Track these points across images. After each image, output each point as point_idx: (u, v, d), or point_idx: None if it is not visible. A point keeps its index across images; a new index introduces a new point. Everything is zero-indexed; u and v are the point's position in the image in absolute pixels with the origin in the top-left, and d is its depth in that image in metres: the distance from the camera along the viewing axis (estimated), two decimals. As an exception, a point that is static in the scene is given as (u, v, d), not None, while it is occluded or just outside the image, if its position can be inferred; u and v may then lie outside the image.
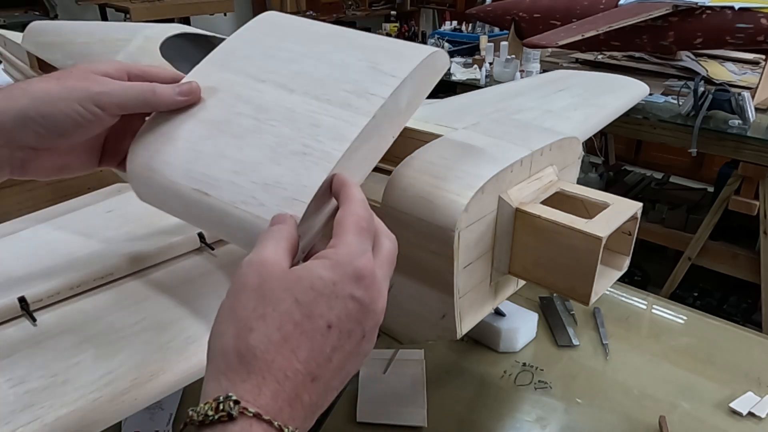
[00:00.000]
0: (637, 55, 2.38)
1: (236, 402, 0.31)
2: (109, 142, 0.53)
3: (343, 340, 0.35)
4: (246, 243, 0.44)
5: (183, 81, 0.52)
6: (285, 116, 0.47)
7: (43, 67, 1.08)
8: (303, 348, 0.33)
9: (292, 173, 0.44)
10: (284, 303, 0.34)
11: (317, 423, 0.74)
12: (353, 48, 0.52)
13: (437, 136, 0.62)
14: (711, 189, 2.56)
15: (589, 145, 2.61)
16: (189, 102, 0.50)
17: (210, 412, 0.31)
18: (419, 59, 0.49)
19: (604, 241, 0.51)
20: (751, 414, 0.84)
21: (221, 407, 0.31)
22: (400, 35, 3.21)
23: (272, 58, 0.53)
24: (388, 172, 0.57)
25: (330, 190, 0.43)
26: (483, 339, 0.98)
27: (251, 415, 0.30)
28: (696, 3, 1.99)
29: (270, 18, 0.58)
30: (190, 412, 0.31)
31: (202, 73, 0.53)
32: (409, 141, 0.76)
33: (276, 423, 0.31)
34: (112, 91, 0.47)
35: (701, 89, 1.88)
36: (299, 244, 0.40)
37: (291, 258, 0.38)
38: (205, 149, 0.47)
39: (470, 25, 3.41)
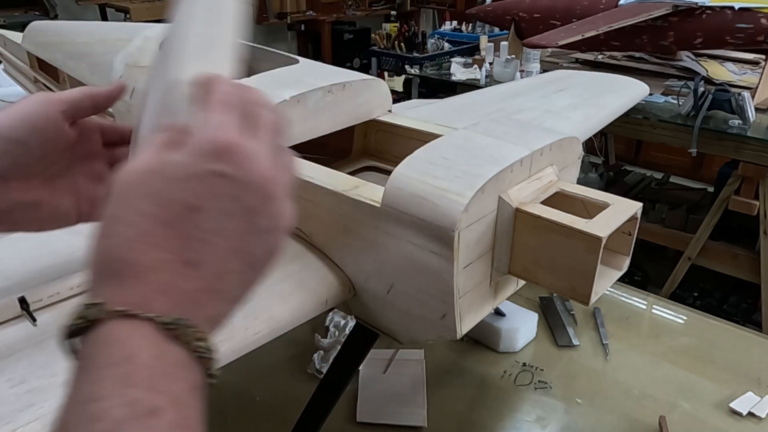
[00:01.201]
0: (637, 55, 2.38)
1: (96, 304, 0.29)
2: (80, 188, 0.52)
3: (220, 220, 0.32)
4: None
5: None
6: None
7: (43, 67, 1.08)
8: (165, 238, 0.31)
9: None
10: (137, 199, 0.32)
11: (317, 423, 0.74)
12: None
13: (437, 136, 0.62)
14: (711, 189, 2.55)
15: (589, 145, 2.61)
16: (120, 90, 0.53)
17: (75, 322, 0.30)
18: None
19: (604, 241, 0.51)
20: (751, 414, 0.84)
21: (83, 314, 0.30)
22: (400, 35, 3.21)
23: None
24: (388, 172, 0.57)
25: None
26: (483, 339, 0.98)
27: (117, 314, 0.29)
28: (696, 3, 1.99)
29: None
30: (61, 329, 0.30)
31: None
32: (409, 141, 0.76)
33: (146, 315, 0.29)
34: (59, 93, 0.48)
35: (701, 89, 1.88)
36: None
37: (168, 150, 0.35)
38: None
39: (470, 25, 3.41)
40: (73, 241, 0.64)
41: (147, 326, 0.29)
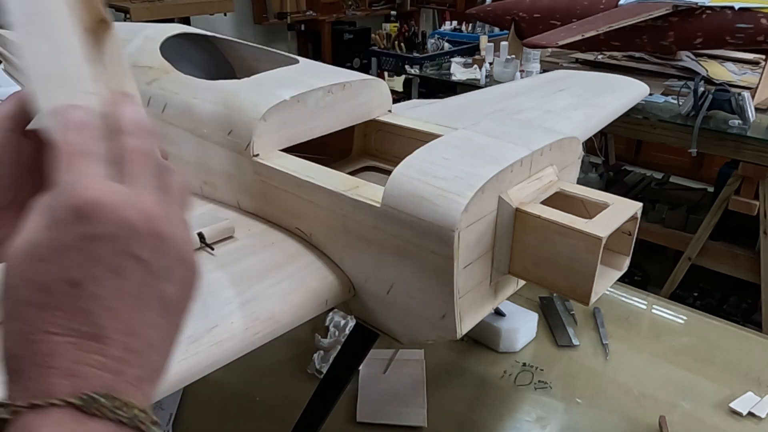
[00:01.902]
0: (637, 55, 2.38)
1: (3, 405, 0.28)
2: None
3: (109, 281, 0.30)
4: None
5: None
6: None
7: (43, 67, 1.08)
8: (55, 320, 0.29)
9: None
10: (17, 290, 0.30)
11: (317, 423, 0.74)
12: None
13: (437, 136, 0.62)
14: (711, 189, 2.55)
15: (589, 145, 2.61)
16: None
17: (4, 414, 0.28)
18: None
19: (604, 241, 0.51)
20: (751, 414, 0.84)
21: None
22: (400, 35, 3.21)
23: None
24: (388, 172, 0.57)
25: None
26: (483, 339, 0.98)
27: (25, 409, 0.28)
28: (696, 3, 1.99)
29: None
30: None
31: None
32: (409, 141, 0.76)
33: (54, 401, 0.28)
34: None
35: (701, 89, 1.88)
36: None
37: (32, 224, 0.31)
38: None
39: (470, 25, 3.41)
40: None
41: (59, 413, 0.28)
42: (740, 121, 1.83)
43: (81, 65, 0.37)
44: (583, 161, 0.99)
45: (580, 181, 0.65)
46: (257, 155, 0.65)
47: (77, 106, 0.34)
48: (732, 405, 0.85)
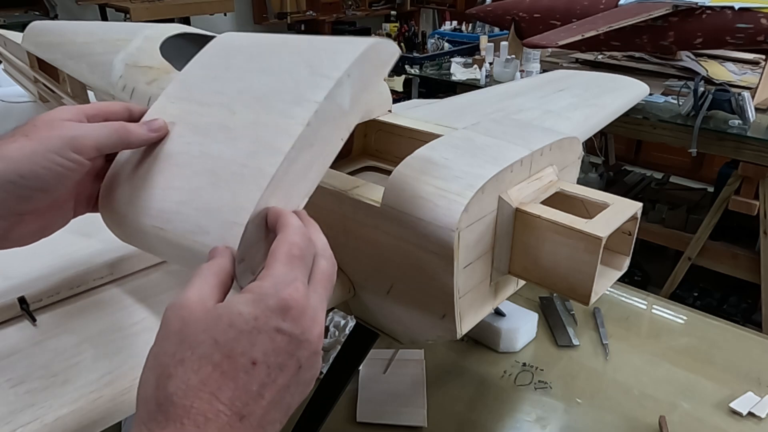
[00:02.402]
0: (637, 55, 2.38)
1: None
2: (79, 189, 0.50)
3: (274, 374, 0.34)
4: None
5: (147, 118, 0.51)
6: (227, 138, 0.47)
7: (43, 67, 1.08)
8: (225, 389, 0.32)
9: (231, 195, 0.43)
10: (203, 345, 0.33)
11: (317, 423, 0.74)
12: (296, 54, 0.50)
13: (437, 136, 0.62)
14: (711, 189, 2.55)
15: (589, 145, 2.61)
16: (160, 137, 0.49)
17: None
18: (355, 54, 0.47)
19: (604, 241, 0.51)
20: (751, 414, 0.84)
21: None
22: (400, 35, 3.21)
23: (220, 79, 0.52)
24: (388, 172, 0.57)
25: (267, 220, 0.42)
26: (483, 339, 0.98)
27: None
28: (696, 3, 1.99)
29: (223, 39, 0.57)
30: None
31: (159, 107, 0.52)
32: (409, 141, 0.76)
33: None
34: (87, 133, 0.46)
35: (701, 89, 1.88)
36: (237, 273, 0.40)
37: (222, 292, 0.37)
38: (159, 183, 0.47)
39: (470, 25, 3.41)
40: (74, 241, 0.64)
41: None
42: (740, 121, 1.83)
43: (313, 187, 0.46)
44: (583, 161, 0.99)
45: (580, 181, 0.65)
46: (257, 155, 0.65)
47: (308, 218, 0.42)
48: (732, 405, 0.85)
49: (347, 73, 0.47)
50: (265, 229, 0.42)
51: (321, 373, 0.91)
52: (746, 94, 1.83)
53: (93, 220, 0.69)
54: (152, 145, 0.49)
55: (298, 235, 0.39)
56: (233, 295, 0.36)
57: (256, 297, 0.35)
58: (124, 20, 3.69)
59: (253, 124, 0.46)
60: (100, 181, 0.50)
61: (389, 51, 0.50)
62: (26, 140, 0.44)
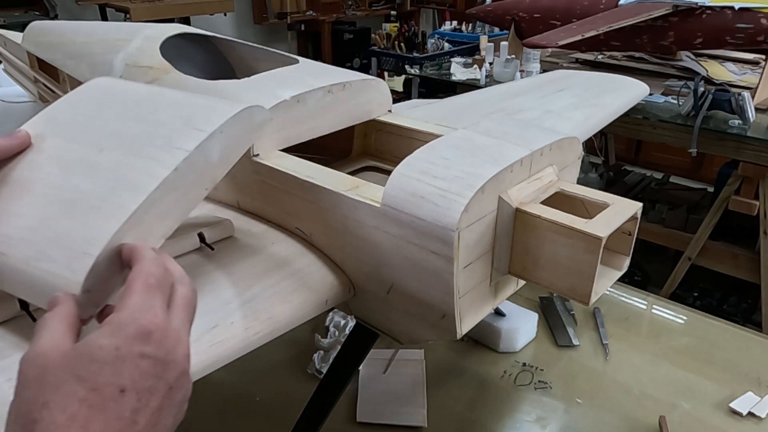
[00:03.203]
0: (637, 55, 2.38)
1: None
2: None
3: (145, 399, 0.34)
4: (44, 303, 0.42)
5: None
6: (89, 173, 0.48)
7: (43, 67, 1.08)
8: (95, 420, 0.32)
9: (85, 227, 0.44)
10: (66, 384, 0.33)
11: (317, 423, 0.74)
12: (173, 106, 0.53)
13: (437, 136, 0.62)
14: (711, 189, 2.55)
15: (589, 145, 2.61)
16: (20, 146, 0.50)
17: None
18: (230, 114, 0.50)
19: (604, 241, 0.51)
20: (751, 414, 0.84)
21: None
22: (400, 35, 3.21)
23: (90, 120, 0.54)
24: (388, 172, 0.57)
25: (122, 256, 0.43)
26: (483, 339, 0.98)
27: None
28: (696, 3, 1.99)
29: (101, 83, 0.59)
30: None
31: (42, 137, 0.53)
32: (409, 141, 0.76)
33: None
34: None
35: (701, 89, 1.88)
36: (81, 304, 0.40)
37: (74, 335, 0.37)
38: (7, 209, 0.47)
39: (470, 25, 3.41)
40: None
41: None
42: (740, 121, 1.83)
43: (170, 231, 0.48)
44: (583, 161, 0.99)
45: (580, 181, 0.65)
46: (257, 155, 0.65)
47: (162, 251, 0.42)
48: (732, 405, 0.85)
49: (220, 129, 0.50)
50: (118, 264, 0.43)
51: (320, 373, 0.91)
52: (746, 94, 1.83)
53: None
54: (5, 172, 0.49)
55: (154, 265, 0.40)
56: (90, 332, 0.36)
57: (114, 328, 0.35)
58: (124, 20, 3.69)
59: (119, 164, 0.48)
60: None
61: (262, 116, 0.54)
62: None
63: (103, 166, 0.48)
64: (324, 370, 0.91)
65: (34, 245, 0.44)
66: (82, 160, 0.49)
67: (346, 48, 5.14)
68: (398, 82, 3.19)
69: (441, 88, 2.52)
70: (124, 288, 0.38)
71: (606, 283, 0.59)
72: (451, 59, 2.67)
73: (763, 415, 0.83)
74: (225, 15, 4.37)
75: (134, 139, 0.50)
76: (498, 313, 0.97)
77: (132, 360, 0.34)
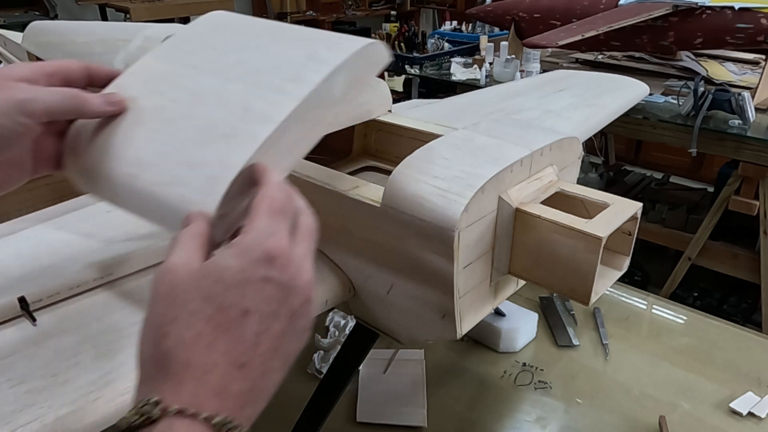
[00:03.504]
0: (637, 55, 2.38)
1: (156, 403, 0.31)
2: (38, 147, 0.49)
3: (268, 323, 0.35)
4: (173, 226, 0.43)
5: (128, 75, 0.52)
6: (218, 102, 0.48)
7: (43, 67, 1.08)
8: (220, 341, 0.33)
9: (217, 154, 0.44)
10: (193, 302, 0.34)
11: (317, 423, 0.74)
12: (294, 40, 0.53)
13: (437, 136, 0.62)
14: (711, 189, 2.55)
15: (589, 145, 2.61)
16: (116, 112, 0.49)
17: (133, 418, 0.31)
18: (354, 49, 0.50)
19: (604, 241, 0.51)
20: (751, 414, 0.84)
21: (142, 411, 0.31)
22: (400, 35, 3.21)
23: (213, 50, 0.54)
24: (388, 172, 0.57)
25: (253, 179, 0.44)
26: (483, 339, 0.98)
27: (173, 412, 0.31)
28: (696, 3, 1.99)
29: (218, 16, 0.59)
30: (119, 422, 0.32)
31: (145, 65, 0.54)
32: (409, 141, 0.76)
33: (202, 415, 0.31)
34: (37, 97, 0.45)
35: (701, 89, 1.88)
36: (214, 227, 0.41)
37: (204, 254, 0.38)
38: (139, 135, 0.48)
39: (470, 25, 3.41)
40: (73, 241, 0.64)
41: (200, 426, 0.31)
42: (740, 121, 1.83)
43: (294, 164, 0.48)
44: (583, 161, 0.99)
45: (580, 181, 0.65)
46: (257, 155, 0.65)
47: (275, 176, 0.42)
48: (732, 405, 0.85)
49: (344, 63, 0.49)
50: (247, 189, 0.43)
51: (320, 373, 0.91)
52: (746, 94, 1.83)
53: (93, 220, 0.69)
54: (135, 99, 0.50)
55: (279, 190, 0.40)
56: (219, 251, 0.36)
57: (241, 250, 0.36)
58: (124, 20, 3.69)
59: (246, 94, 0.48)
60: (62, 139, 0.50)
61: (382, 54, 0.53)
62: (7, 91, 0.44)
63: (231, 96, 0.48)
64: (324, 370, 0.91)
65: (168, 170, 0.45)
66: (210, 89, 0.49)
67: (346, 48, 5.14)
68: (398, 82, 3.18)
69: (441, 88, 2.52)
70: (250, 210, 0.39)
71: (606, 283, 0.59)
72: (451, 59, 2.67)
73: (763, 415, 0.83)
74: (225, 15, 4.36)
75: (260, 70, 0.50)
76: (498, 313, 0.97)
77: (256, 283, 0.35)
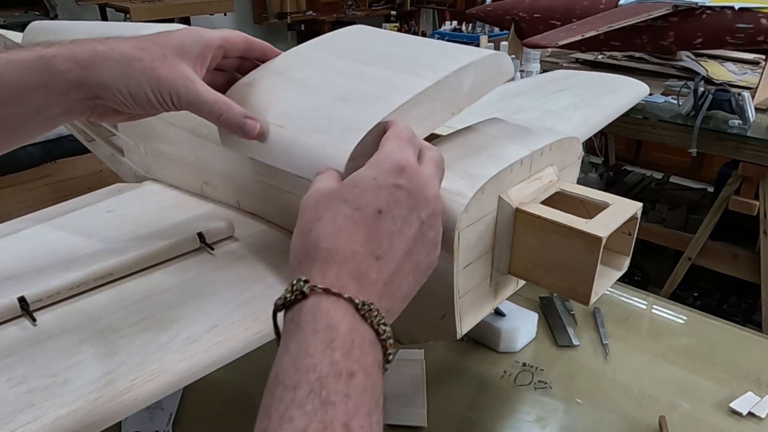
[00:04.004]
0: (637, 55, 2.38)
1: (305, 281, 0.36)
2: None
3: (399, 225, 0.39)
4: (309, 171, 0.48)
5: (282, 59, 0.60)
6: (360, 78, 0.55)
7: (43, 67, 1.08)
8: (358, 234, 0.38)
9: (357, 111, 0.51)
10: (334, 204, 0.40)
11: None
12: (430, 44, 0.60)
13: (437, 136, 0.62)
14: (711, 189, 2.55)
15: (589, 145, 2.61)
16: (249, 138, 0.54)
17: (288, 295, 0.37)
18: (486, 54, 0.57)
19: (604, 241, 0.51)
20: (751, 414, 0.84)
21: (294, 288, 0.36)
22: (400, 35, 3.21)
23: (355, 46, 0.62)
24: (389, 172, 0.57)
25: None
26: (483, 339, 0.98)
27: (320, 291, 0.36)
28: (696, 3, 1.99)
29: (359, 27, 0.68)
30: (275, 301, 0.38)
31: (295, 52, 0.62)
32: (409, 141, 0.76)
33: (345, 295, 0.36)
34: (188, 96, 0.51)
35: (701, 89, 1.88)
36: (345, 170, 0.47)
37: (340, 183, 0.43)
38: (287, 96, 0.55)
39: (470, 25, 3.41)
40: (73, 241, 0.64)
41: (344, 304, 0.36)
42: (740, 121, 1.83)
43: (425, 134, 0.53)
44: (583, 161, 0.99)
45: (580, 181, 0.65)
46: (257, 155, 0.65)
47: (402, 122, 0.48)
48: (732, 405, 0.85)
49: (475, 63, 0.56)
50: (378, 140, 0.47)
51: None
52: (746, 94, 1.83)
53: (93, 220, 0.69)
54: (287, 71, 0.58)
55: (407, 128, 0.46)
56: (358, 172, 0.42)
57: (373, 163, 0.41)
58: (124, 20, 3.69)
59: (386, 75, 0.55)
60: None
61: (509, 66, 0.61)
62: (149, 63, 0.50)
63: (371, 75, 0.55)
64: (324, 370, 0.91)
65: (310, 122, 0.52)
66: (353, 70, 0.57)
67: (346, 48, 5.13)
68: (398, 82, 3.18)
69: (441, 88, 2.52)
70: (381, 143, 0.44)
71: (606, 283, 0.59)
72: (451, 59, 2.66)
73: (763, 415, 0.83)
74: (225, 15, 4.37)
75: (397, 61, 0.57)
76: (498, 313, 0.97)
77: (387, 188, 0.40)
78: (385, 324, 0.36)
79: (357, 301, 0.36)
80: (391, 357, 0.37)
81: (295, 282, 0.37)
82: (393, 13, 5.28)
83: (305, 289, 0.36)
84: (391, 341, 0.37)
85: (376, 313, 0.36)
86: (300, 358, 0.34)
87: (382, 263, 0.38)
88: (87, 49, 0.48)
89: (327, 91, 0.54)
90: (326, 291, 0.36)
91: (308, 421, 0.31)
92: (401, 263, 0.39)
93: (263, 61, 0.60)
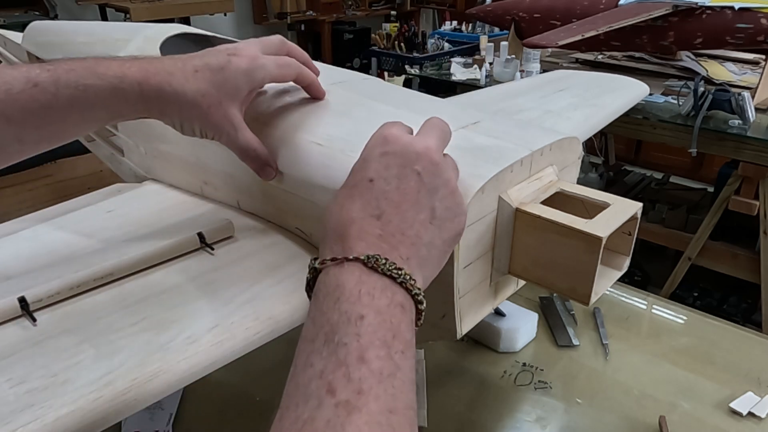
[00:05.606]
0: (637, 55, 2.38)
1: (315, 259, 0.42)
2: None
3: (394, 183, 0.43)
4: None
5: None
6: (391, 115, 0.58)
7: (43, 67, 1.08)
8: (354, 204, 0.43)
9: None
10: (338, 194, 0.45)
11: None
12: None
13: (437, 136, 0.62)
14: (711, 189, 2.55)
15: (589, 145, 2.61)
16: (263, 179, 0.62)
17: (308, 276, 0.43)
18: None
19: (604, 241, 0.51)
20: (751, 414, 0.84)
21: (309, 269, 0.42)
22: (400, 35, 3.21)
23: (379, 92, 0.70)
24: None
25: None
26: (483, 339, 0.98)
27: (328, 262, 0.41)
28: (696, 3, 1.99)
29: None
30: (305, 288, 0.43)
31: (332, 90, 0.68)
32: (410, 141, 0.76)
33: (350, 256, 0.40)
34: (228, 140, 0.58)
35: (701, 89, 1.88)
36: None
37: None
38: (328, 121, 0.62)
39: (470, 25, 3.41)
40: (73, 241, 0.64)
41: (352, 265, 0.40)
42: (740, 121, 1.83)
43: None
44: (583, 161, 0.99)
45: (580, 181, 0.65)
46: (258, 155, 0.65)
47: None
48: (732, 405, 0.85)
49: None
50: None
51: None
52: (746, 94, 1.83)
53: (93, 220, 0.69)
54: (326, 101, 0.66)
55: (441, 120, 0.50)
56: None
57: (364, 147, 0.47)
58: (124, 20, 3.69)
59: (401, 105, 0.65)
60: None
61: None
62: (215, 94, 0.56)
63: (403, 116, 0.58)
64: (324, 370, 0.91)
65: (348, 143, 0.57)
66: (383, 109, 0.64)
67: (346, 48, 5.14)
68: (398, 82, 3.18)
69: (441, 88, 2.52)
70: None
71: (606, 283, 0.59)
72: (451, 59, 2.67)
73: (763, 415, 0.83)
74: (225, 15, 4.37)
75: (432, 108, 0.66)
76: (498, 313, 0.97)
77: (374, 159, 0.45)
78: (398, 269, 0.40)
79: (362, 257, 0.39)
80: (419, 297, 0.41)
81: (309, 265, 0.42)
82: (393, 13, 5.28)
83: (316, 265, 0.41)
84: (413, 282, 0.40)
85: (383, 261, 0.39)
86: (317, 318, 0.38)
87: (384, 220, 0.42)
88: (156, 84, 0.55)
89: (365, 120, 0.60)
90: (333, 260, 0.40)
91: (325, 363, 0.36)
92: (408, 214, 0.43)
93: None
